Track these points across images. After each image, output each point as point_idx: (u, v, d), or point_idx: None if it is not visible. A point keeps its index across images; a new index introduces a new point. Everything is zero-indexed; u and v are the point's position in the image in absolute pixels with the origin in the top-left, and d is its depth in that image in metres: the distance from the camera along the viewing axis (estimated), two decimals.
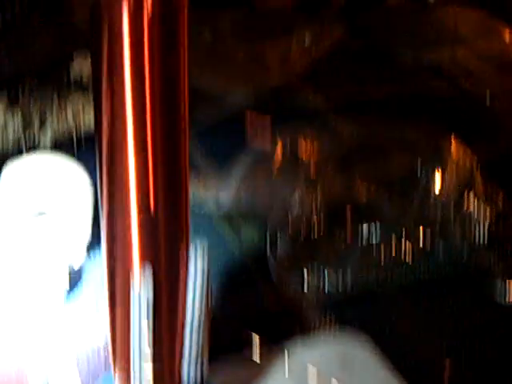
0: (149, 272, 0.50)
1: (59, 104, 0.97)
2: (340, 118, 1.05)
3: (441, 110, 1.11)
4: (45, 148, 0.94)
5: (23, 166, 0.72)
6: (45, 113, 0.96)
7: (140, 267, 0.50)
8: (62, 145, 0.94)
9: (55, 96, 0.98)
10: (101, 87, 0.47)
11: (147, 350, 0.51)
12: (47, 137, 0.95)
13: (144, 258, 0.50)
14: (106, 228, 0.51)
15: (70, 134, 0.95)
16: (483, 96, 1.11)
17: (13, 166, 0.72)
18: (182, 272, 0.52)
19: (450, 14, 1.32)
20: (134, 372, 0.52)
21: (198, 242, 0.52)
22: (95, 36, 0.46)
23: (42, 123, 0.95)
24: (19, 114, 0.95)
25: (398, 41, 1.28)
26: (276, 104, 1.08)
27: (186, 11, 0.45)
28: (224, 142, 1.00)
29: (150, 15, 0.44)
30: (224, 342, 0.61)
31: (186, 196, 0.51)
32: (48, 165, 0.72)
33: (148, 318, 0.50)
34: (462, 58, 1.20)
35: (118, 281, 0.52)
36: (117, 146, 0.48)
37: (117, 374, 0.54)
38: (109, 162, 0.49)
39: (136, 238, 0.50)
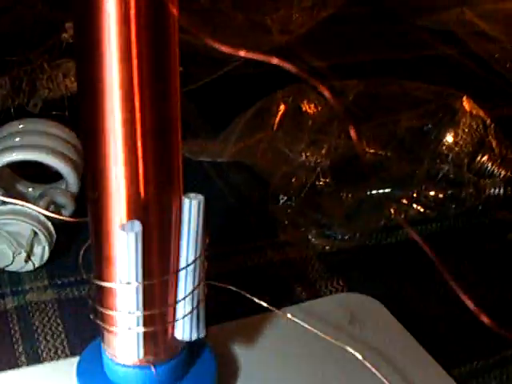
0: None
1: (49, 69, 0.94)
2: (345, 78, 1.01)
3: (451, 71, 1.08)
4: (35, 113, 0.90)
5: None
6: (35, 79, 0.93)
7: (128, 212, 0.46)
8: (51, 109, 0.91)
9: (45, 62, 0.94)
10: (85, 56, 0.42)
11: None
12: (38, 102, 0.91)
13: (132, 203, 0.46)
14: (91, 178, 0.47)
15: (61, 97, 0.91)
16: (492, 56, 1.08)
17: None
18: (174, 217, 0.48)
19: None
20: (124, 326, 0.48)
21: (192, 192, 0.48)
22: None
23: (32, 89, 0.92)
24: (8, 81, 0.92)
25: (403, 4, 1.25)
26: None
27: None
28: (220, 102, 0.96)
29: None
30: (221, 303, 0.54)
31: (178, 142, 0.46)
32: None
33: (137, 256, 0.46)
34: (470, 19, 1.17)
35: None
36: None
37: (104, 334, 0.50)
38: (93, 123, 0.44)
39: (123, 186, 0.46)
